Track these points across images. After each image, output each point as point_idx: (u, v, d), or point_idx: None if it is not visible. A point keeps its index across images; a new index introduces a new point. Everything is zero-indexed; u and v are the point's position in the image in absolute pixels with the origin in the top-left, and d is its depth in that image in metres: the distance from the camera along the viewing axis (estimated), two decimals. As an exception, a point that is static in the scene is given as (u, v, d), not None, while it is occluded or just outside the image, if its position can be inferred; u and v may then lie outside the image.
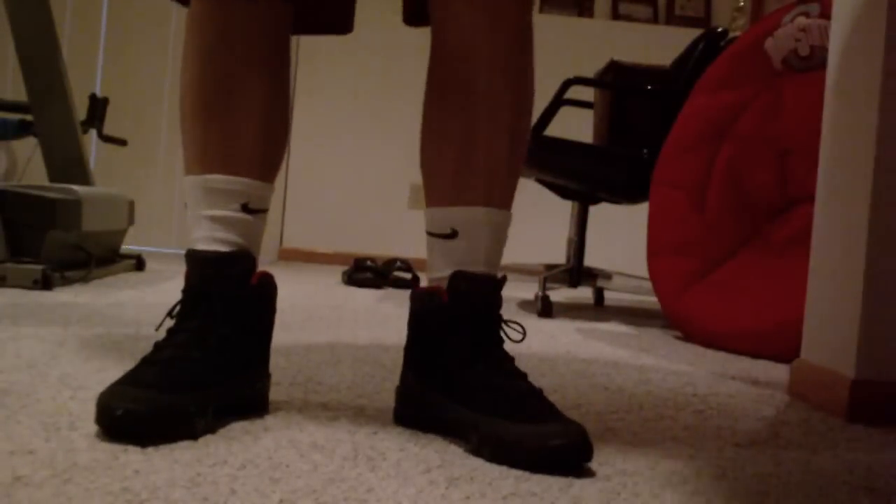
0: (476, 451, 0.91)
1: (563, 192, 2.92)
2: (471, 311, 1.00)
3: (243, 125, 1.03)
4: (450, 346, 0.99)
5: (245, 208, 1.02)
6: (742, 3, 4.47)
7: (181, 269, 3.30)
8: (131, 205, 2.87)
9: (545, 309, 2.50)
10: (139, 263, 2.97)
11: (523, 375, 0.99)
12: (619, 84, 2.76)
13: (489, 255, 1.03)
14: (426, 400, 1.00)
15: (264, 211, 1.05)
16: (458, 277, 1.01)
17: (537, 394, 0.96)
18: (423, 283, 3.73)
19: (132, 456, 0.81)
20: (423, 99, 1.09)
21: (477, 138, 1.03)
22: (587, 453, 0.88)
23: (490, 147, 1.03)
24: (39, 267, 2.13)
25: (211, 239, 1.01)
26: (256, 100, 1.04)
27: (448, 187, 1.04)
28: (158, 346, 0.96)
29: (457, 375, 0.97)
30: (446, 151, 1.04)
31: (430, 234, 1.07)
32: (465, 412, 0.94)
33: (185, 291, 0.99)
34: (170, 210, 4.50)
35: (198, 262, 0.99)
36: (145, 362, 0.93)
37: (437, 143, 1.06)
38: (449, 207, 1.04)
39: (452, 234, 1.04)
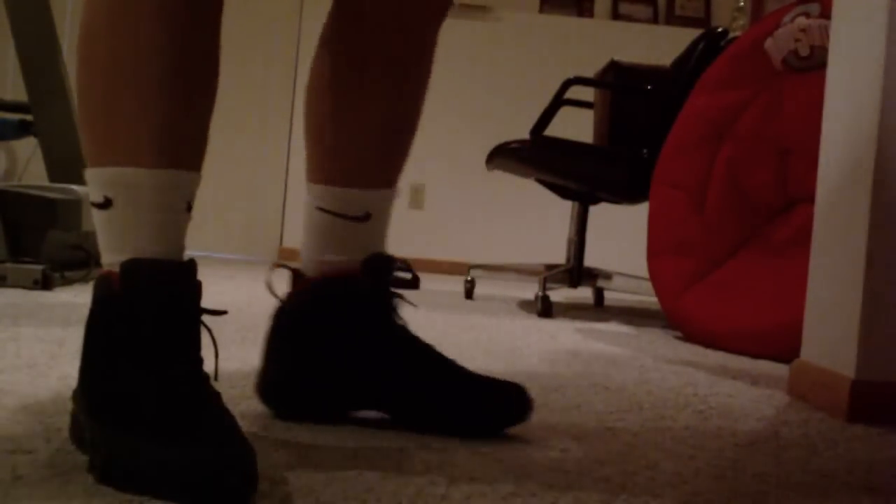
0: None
1: (563, 192, 2.92)
2: (388, 293, 0.99)
3: (202, 103, 0.85)
4: (366, 330, 0.97)
5: (189, 207, 0.85)
6: (742, 3, 4.47)
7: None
8: (131, 205, 2.87)
9: (545, 309, 2.50)
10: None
11: (430, 346, 1.01)
12: (619, 84, 2.76)
13: (385, 235, 1.03)
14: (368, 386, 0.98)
15: None
16: (376, 260, 0.97)
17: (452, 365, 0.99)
18: (419, 280, 3.71)
19: (132, 456, 0.81)
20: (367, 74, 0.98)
21: (404, 122, 1.01)
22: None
23: (413, 130, 1.03)
24: (39, 267, 2.13)
25: (166, 245, 0.83)
26: (215, 71, 0.86)
27: (366, 169, 0.99)
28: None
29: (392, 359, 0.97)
30: (370, 134, 0.98)
31: (335, 214, 0.99)
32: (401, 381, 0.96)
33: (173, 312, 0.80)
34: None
35: (165, 275, 0.80)
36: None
37: (359, 122, 0.98)
38: (366, 190, 0.99)
39: (365, 217, 0.99)
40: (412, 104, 1.03)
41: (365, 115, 0.99)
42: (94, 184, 0.82)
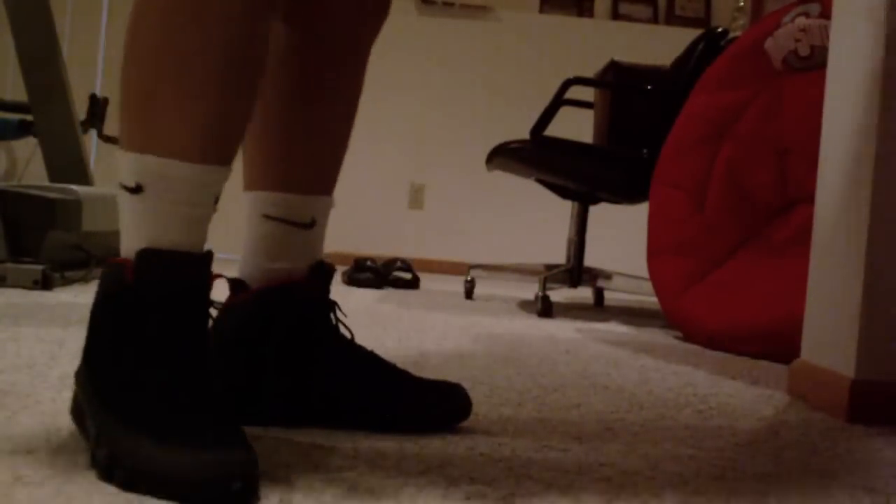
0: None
1: (563, 192, 2.92)
2: (331, 301, 1.01)
3: (246, 105, 0.85)
4: (316, 338, 0.98)
5: (216, 201, 0.87)
6: (742, 3, 4.47)
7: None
8: (131, 205, 2.87)
9: (545, 309, 2.50)
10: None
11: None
12: (619, 84, 2.76)
13: (323, 243, 1.05)
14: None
15: None
16: (321, 267, 0.99)
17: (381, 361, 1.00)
18: (416, 282, 3.71)
19: (132, 456, 0.81)
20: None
21: (348, 129, 1.05)
22: None
23: (348, 138, 1.06)
24: (39, 267, 2.13)
25: (190, 237, 0.84)
26: (261, 74, 0.87)
27: (311, 177, 1.01)
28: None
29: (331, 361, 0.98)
30: (320, 141, 1.02)
31: (283, 220, 0.98)
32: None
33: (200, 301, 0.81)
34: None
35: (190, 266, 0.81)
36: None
37: (309, 130, 1.01)
38: (310, 196, 1.00)
39: (311, 224, 1.00)
40: (353, 112, 1.06)
41: (317, 124, 1.01)
42: (129, 168, 0.82)
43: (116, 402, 0.76)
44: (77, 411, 0.84)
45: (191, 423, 0.73)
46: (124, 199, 0.83)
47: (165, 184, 0.81)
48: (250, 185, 1.02)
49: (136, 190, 0.81)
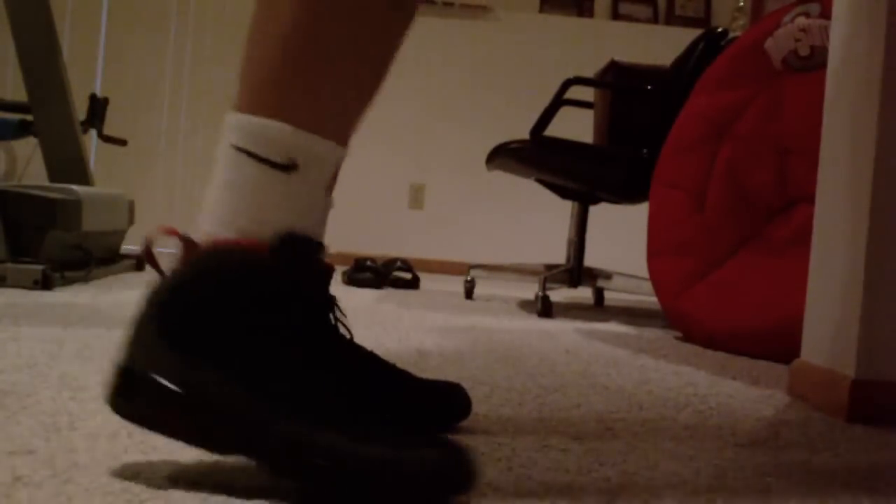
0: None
1: (563, 192, 2.92)
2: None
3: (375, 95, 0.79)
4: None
5: None
6: (742, 3, 4.47)
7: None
8: (131, 205, 2.87)
9: (545, 309, 2.50)
10: (139, 263, 2.97)
11: None
12: (619, 84, 2.76)
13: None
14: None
15: None
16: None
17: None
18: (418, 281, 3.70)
19: (132, 456, 0.81)
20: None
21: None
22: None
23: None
24: (39, 267, 2.13)
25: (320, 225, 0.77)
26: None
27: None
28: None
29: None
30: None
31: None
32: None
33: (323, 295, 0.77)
34: (170, 210, 4.50)
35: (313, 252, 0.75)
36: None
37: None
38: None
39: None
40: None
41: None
42: (278, 142, 0.73)
43: (299, 405, 0.70)
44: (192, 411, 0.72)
45: (379, 423, 0.71)
46: (263, 176, 0.73)
47: (319, 166, 0.75)
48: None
49: (288, 167, 0.73)
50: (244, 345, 0.71)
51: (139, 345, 0.73)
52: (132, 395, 0.73)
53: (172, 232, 0.76)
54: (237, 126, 0.74)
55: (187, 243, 0.75)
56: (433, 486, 0.67)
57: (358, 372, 0.75)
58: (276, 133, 0.73)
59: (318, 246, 0.76)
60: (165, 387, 0.71)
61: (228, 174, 0.74)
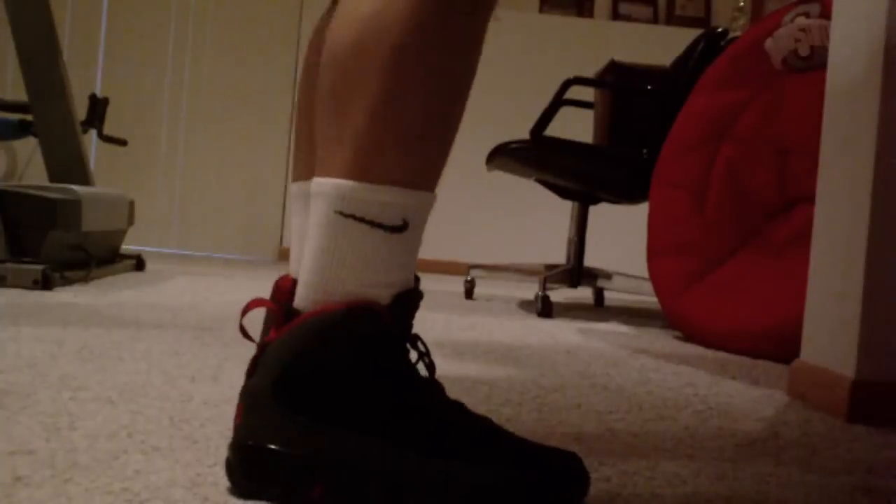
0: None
1: (563, 192, 2.92)
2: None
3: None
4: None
5: None
6: (742, 3, 4.47)
7: (181, 269, 3.30)
8: (131, 205, 2.87)
9: (545, 309, 2.50)
10: (139, 263, 2.97)
11: None
12: (619, 84, 2.76)
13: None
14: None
15: None
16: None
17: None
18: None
19: (132, 456, 0.81)
20: None
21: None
22: None
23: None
24: (39, 267, 2.13)
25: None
26: None
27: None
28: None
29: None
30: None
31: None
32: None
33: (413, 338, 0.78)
34: (170, 210, 4.50)
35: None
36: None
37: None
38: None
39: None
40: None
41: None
42: (392, 206, 0.73)
43: (435, 449, 0.72)
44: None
45: (506, 447, 0.75)
46: (377, 240, 0.73)
47: (424, 218, 0.76)
48: (305, 172, 0.91)
49: (401, 228, 0.74)
50: (373, 402, 0.72)
51: (260, 418, 0.72)
52: (261, 472, 0.72)
53: (264, 303, 0.76)
54: (343, 194, 0.73)
55: (287, 311, 0.75)
56: (572, 496, 0.75)
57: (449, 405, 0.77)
58: (389, 198, 0.74)
59: (421, 296, 0.78)
60: (307, 455, 0.72)
61: (334, 241, 0.74)
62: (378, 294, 0.74)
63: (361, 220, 0.73)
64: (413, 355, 0.80)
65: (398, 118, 0.73)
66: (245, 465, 0.72)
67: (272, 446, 0.72)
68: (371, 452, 0.71)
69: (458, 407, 0.77)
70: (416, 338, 0.79)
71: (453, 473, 0.71)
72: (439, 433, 0.73)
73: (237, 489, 0.73)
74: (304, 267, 0.76)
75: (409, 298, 0.76)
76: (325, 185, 0.74)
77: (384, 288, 0.74)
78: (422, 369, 1.40)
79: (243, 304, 2.24)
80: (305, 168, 0.97)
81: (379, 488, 0.71)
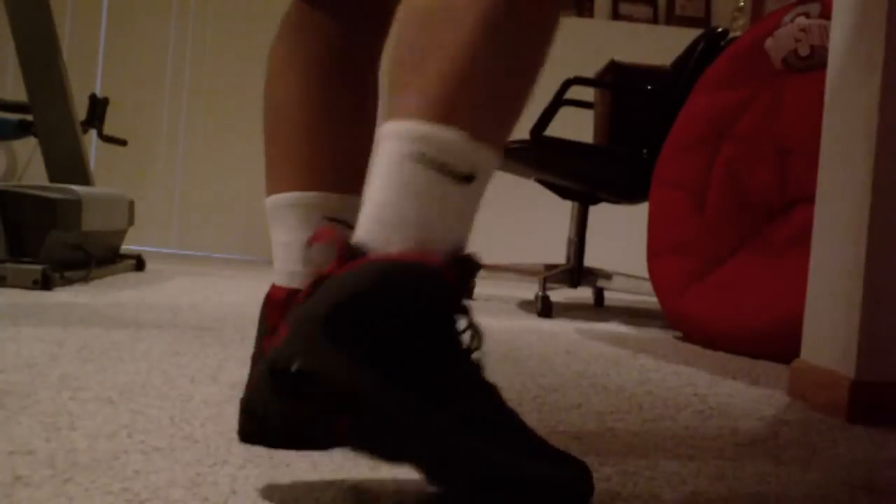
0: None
1: (563, 192, 2.92)
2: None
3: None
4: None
5: None
6: (742, 3, 4.47)
7: (181, 269, 3.31)
8: (131, 205, 2.87)
9: (545, 309, 2.50)
10: (139, 263, 2.97)
11: None
12: (619, 84, 2.76)
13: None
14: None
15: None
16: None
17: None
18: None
19: (132, 456, 0.81)
20: None
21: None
22: None
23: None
24: (39, 267, 2.13)
25: None
26: None
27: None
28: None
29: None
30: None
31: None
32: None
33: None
34: (170, 210, 4.50)
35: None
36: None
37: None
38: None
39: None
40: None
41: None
42: (464, 154, 0.73)
43: (472, 420, 0.72)
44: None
45: (530, 439, 0.76)
46: (441, 182, 0.73)
47: (487, 178, 0.76)
48: (296, 181, 0.92)
49: (469, 179, 0.74)
50: (418, 359, 0.71)
51: (304, 343, 0.70)
52: (294, 394, 0.69)
53: (332, 235, 0.75)
54: (418, 135, 0.73)
55: (351, 251, 0.73)
56: (579, 500, 0.75)
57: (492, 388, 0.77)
58: (462, 145, 0.73)
59: (479, 267, 0.76)
60: (341, 386, 0.69)
61: (403, 180, 0.73)
62: (438, 242, 0.73)
63: (434, 163, 0.73)
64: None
65: (483, 67, 0.74)
66: (278, 383, 0.70)
67: (310, 370, 0.69)
68: (406, 405, 0.70)
69: (495, 389, 0.76)
70: (468, 308, 0.78)
71: (484, 455, 0.71)
72: (476, 408, 0.73)
73: (259, 408, 0.70)
74: (370, 199, 0.75)
75: (472, 264, 0.75)
76: (397, 127, 0.74)
77: (446, 238, 0.73)
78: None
79: (242, 303, 2.24)
80: (297, 176, 0.95)
81: (402, 443, 0.70)
